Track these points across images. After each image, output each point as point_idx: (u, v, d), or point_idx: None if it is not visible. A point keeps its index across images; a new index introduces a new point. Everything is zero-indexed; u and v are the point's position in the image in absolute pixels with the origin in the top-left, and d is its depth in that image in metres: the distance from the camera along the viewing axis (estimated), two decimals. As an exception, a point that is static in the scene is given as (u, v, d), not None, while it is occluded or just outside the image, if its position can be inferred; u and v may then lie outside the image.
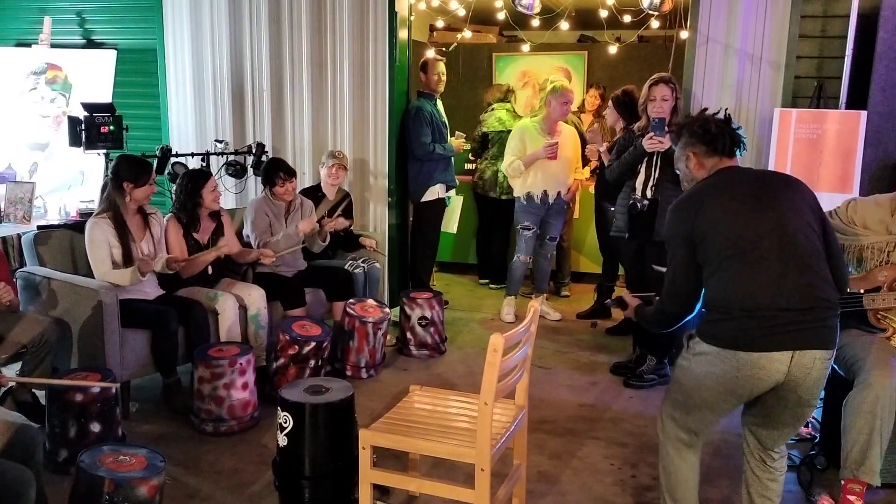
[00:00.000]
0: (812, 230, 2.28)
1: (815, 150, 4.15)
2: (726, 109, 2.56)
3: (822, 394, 3.31)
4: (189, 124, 5.44)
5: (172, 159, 4.59)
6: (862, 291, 2.93)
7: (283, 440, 2.71)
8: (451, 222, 5.69)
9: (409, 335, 4.53)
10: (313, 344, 3.70)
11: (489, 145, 5.98)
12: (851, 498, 2.74)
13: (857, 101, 4.23)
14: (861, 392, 2.72)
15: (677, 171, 2.62)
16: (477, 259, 6.54)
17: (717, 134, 2.42)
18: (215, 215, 4.09)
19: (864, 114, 4.08)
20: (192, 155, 4.85)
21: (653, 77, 4.08)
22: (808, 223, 2.28)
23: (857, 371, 2.80)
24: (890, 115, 4.12)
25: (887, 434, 2.72)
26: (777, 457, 2.49)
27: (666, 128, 3.86)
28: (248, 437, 3.43)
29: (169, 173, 4.56)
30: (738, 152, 2.46)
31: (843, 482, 2.77)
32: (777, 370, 2.20)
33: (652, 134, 3.91)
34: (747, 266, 2.22)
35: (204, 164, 4.72)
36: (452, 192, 5.50)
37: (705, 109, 2.57)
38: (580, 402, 3.94)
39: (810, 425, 3.51)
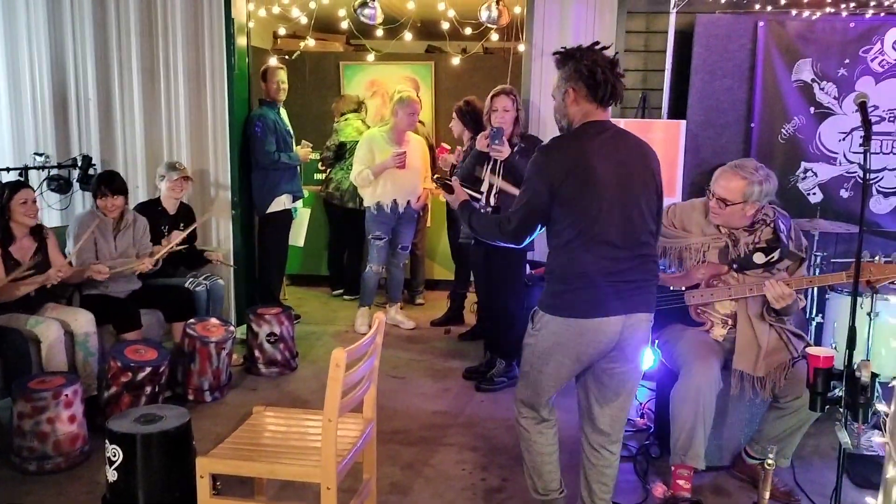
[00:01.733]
0: (653, 210, 2.46)
1: (643, 157, 4.42)
2: (616, 53, 2.47)
3: (655, 385, 3.56)
4: (4, 136, 4.97)
5: (-17, 174, 4.19)
6: (683, 289, 3.15)
7: (112, 475, 2.52)
8: (298, 235, 5.57)
9: (256, 353, 4.37)
10: (148, 369, 3.48)
11: (346, 155, 5.93)
12: (681, 482, 2.92)
13: (677, 111, 4.56)
14: (684, 383, 2.92)
15: (552, 98, 2.53)
16: (329, 270, 6.45)
17: (602, 82, 2.37)
18: (37, 233, 3.75)
19: (683, 123, 4.40)
20: (8, 170, 4.44)
21: (494, 89, 4.20)
22: (652, 206, 2.45)
23: (681, 363, 3.00)
24: (706, 125, 4.48)
25: (710, 421, 2.92)
26: (610, 445, 2.62)
27: (504, 137, 3.99)
28: (77, 474, 3.16)
29: (-21, 190, 4.14)
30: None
31: (672, 468, 2.95)
32: (613, 331, 2.41)
33: (489, 143, 4.02)
34: (593, 245, 2.37)
35: (22, 179, 4.32)
36: (299, 204, 5.39)
37: (597, 43, 2.44)
38: (433, 409, 3.96)
39: (646, 416, 3.73)
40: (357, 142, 5.79)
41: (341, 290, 6.30)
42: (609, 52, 2.45)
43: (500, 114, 4.10)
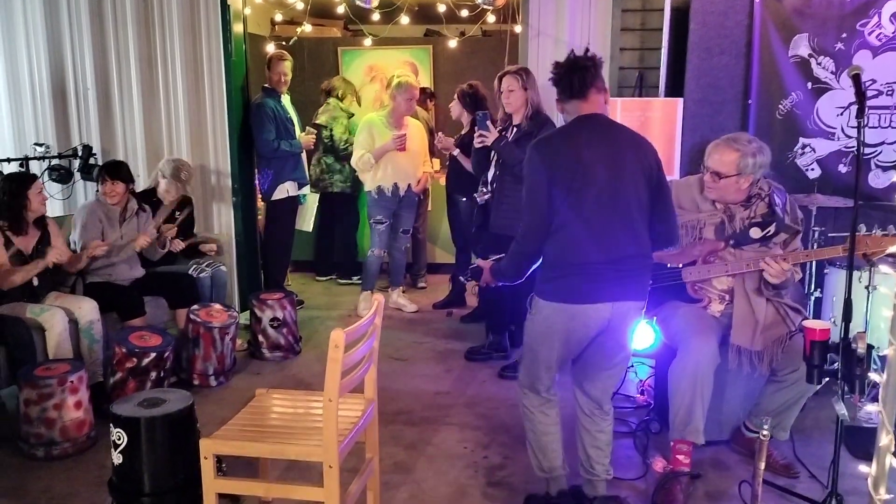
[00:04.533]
0: (645, 196, 2.49)
1: (641, 137, 4.42)
2: (587, 47, 2.61)
3: (654, 362, 3.59)
4: (4, 127, 5.00)
5: (-15, 166, 4.22)
6: (680, 266, 3.16)
7: (117, 458, 2.56)
8: (306, 221, 5.60)
9: (260, 338, 4.41)
10: (153, 355, 3.52)
11: (322, 139, 5.93)
12: (680, 457, 2.95)
13: (674, 89, 4.55)
14: (683, 358, 2.94)
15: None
16: (314, 256, 6.46)
17: (558, 79, 2.55)
18: (40, 223, 3.79)
19: (680, 101, 4.39)
20: (9, 160, 4.46)
21: (503, 70, 4.20)
22: (643, 191, 2.49)
23: (680, 340, 3.02)
24: (703, 102, 4.46)
25: (708, 396, 2.94)
26: (604, 412, 2.72)
27: (488, 122, 4.01)
28: (84, 459, 3.21)
29: (-19, 181, 4.17)
30: (593, 92, 2.51)
31: (672, 443, 2.98)
32: (602, 318, 2.48)
33: (478, 130, 4.04)
34: (584, 232, 2.43)
35: (23, 170, 4.35)
36: (306, 190, 5.42)
37: (571, 52, 2.61)
38: (436, 390, 4.00)
39: (646, 393, 3.76)
40: (330, 123, 5.77)
41: (331, 277, 6.30)
42: (578, 54, 2.58)
43: (505, 94, 4.09)
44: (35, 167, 4.57)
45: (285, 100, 5.14)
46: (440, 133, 5.14)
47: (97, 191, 4.08)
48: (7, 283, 3.57)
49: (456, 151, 4.93)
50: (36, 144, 4.71)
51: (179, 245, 4.32)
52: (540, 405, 2.71)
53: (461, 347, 4.62)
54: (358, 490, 2.59)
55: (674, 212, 2.63)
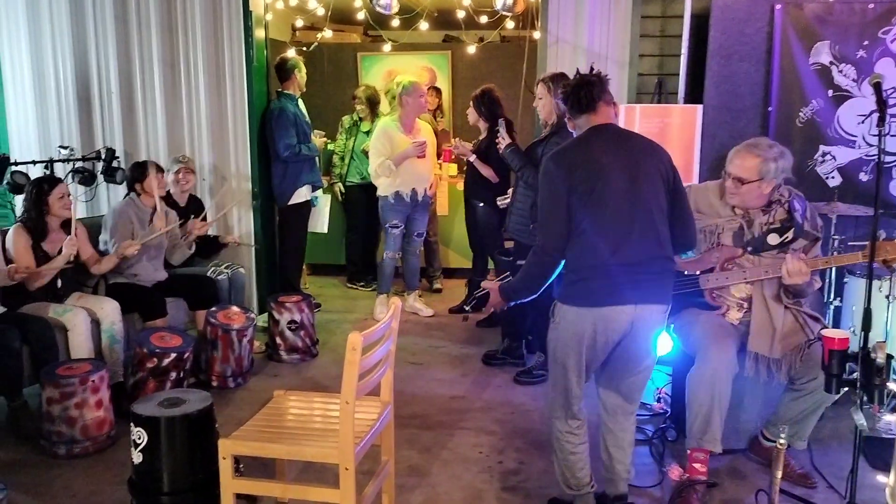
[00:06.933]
0: (664, 199, 2.52)
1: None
2: (592, 64, 2.69)
3: (671, 370, 3.58)
4: (31, 130, 5.09)
5: (12, 168, 4.28)
6: (698, 273, 3.15)
7: (137, 457, 2.59)
8: (321, 223, 5.63)
9: (278, 340, 4.44)
10: (173, 355, 3.56)
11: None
12: (697, 465, 2.94)
13: (694, 96, 4.54)
14: (701, 366, 2.93)
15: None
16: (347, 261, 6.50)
17: (566, 97, 2.62)
18: (68, 226, 3.85)
19: (700, 108, 4.38)
20: (34, 163, 4.53)
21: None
22: (662, 194, 2.52)
23: (698, 347, 3.01)
24: (723, 109, 4.44)
25: (726, 404, 2.93)
26: (626, 412, 2.70)
27: (503, 129, 4.06)
28: (104, 458, 3.26)
29: (8, 183, 4.25)
30: (602, 104, 2.56)
31: (688, 451, 2.97)
32: (625, 321, 2.48)
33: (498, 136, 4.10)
34: (605, 234, 2.44)
35: (47, 172, 4.43)
36: (319, 192, 5.45)
37: (577, 72, 2.68)
38: (451, 394, 4.01)
39: (663, 401, 3.75)
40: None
41: (361, 283, 6.33)
42: (581, 72, 2.64)
43: (536, 101, 4.12)
44: (59, 169, 4.64)
45: (300, 103, 5.18)
46: (457, 139, 5.16)
47: (133, 190, 4.11)
48: (37, 283, 3.64)
49: (472, 157, 4.94)
50: (61, 147, 4.79)
51: (204, 228, 4.34)
52: (569, 422, 2.65)
53: (477, 352, 4.63)
54: (373, 493, 2.60)
55: (691, 215, 2.65)
